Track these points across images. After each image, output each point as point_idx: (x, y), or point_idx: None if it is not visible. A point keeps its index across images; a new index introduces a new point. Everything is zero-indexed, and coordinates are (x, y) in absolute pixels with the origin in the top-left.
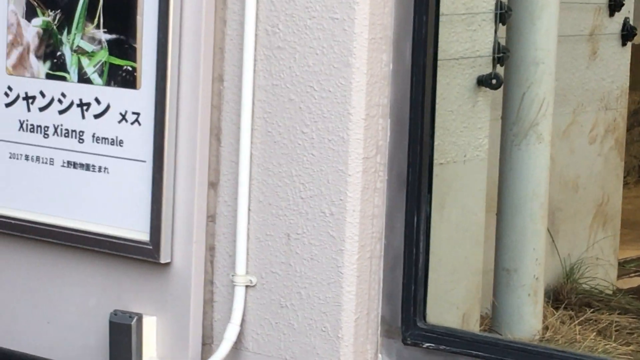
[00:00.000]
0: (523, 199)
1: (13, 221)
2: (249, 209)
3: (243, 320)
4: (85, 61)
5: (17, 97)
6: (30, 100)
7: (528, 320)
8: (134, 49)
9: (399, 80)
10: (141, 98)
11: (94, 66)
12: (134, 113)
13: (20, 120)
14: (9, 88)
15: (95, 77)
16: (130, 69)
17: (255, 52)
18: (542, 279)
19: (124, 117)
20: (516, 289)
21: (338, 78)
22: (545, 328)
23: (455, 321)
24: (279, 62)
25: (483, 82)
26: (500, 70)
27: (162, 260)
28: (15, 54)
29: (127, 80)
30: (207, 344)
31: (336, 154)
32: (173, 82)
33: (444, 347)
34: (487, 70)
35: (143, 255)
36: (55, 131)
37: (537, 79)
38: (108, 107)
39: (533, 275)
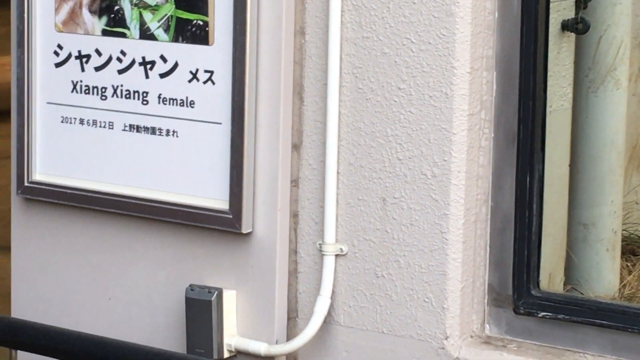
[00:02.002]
0: (601, 149)
1: (68, 190)
2: (338, 172)
3: (333, 292)
4: (147, 16)
5: (69, 56)
6: (84, 59)
7: (606, 277)
8: (205, 2)
9: (506, 30)
10: (214, 55)
11: (159, 21)
12: (206, 71)
13: (73, 81)
14: (59, 46)
15: (159, 32)
16: (200, 23)
17: (342, 2)
18: (620, 233)
19: (194, 76)
20: (594, 244)
21: (439, 29)
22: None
23: (542, 282)
24: (369, 13)
25: (568, 26)
26: (585, 13)
27: (244, 230)
28: (66, 9)
29: (198, 35)
30: (292, 317)
31: (438, 111)
32: (252, 37)
33: (563, 316)
34: (570, 14)
35: (222, 225)
36: (115, 92)
37: (614, 21)
38: (176, 65)
39: (611, 229)
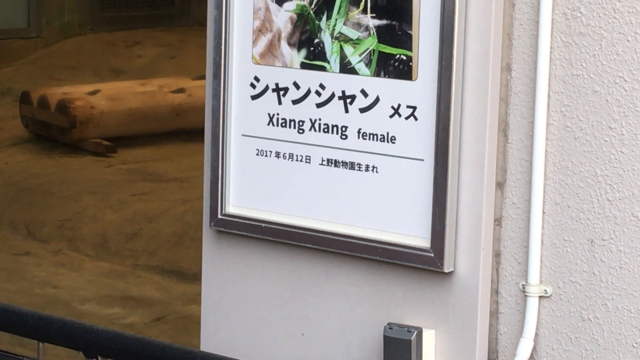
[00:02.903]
0: None
1: (262, 224)
2: (543, 212)
3: (536, 335)
4: (348, 49)
5: (266, 88)
6: (281, 92)
7: None
8: (409, 36)
9: None
10: (418, 90)
11: (360, 55)
12: (408, 107)
13: (269, 114)
14: (256, 79)
15: (361, 66)
16: (404, 57)
17: (551, 39)
18: None
19: (396, 111)
20: None
21: None
22: None
23: None
24: (580, 50)
25: None
26: None
27: (446, 269)
28: (264, 41)
29: (401, 70)
30: (492, 359)
31: None
32: (458, 73)
33: None
34: None
35: (423, 264)
36: (313, 126)
37: None
38: (377, 99)
39: None
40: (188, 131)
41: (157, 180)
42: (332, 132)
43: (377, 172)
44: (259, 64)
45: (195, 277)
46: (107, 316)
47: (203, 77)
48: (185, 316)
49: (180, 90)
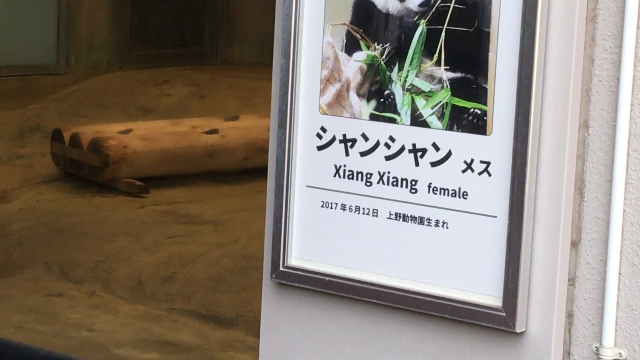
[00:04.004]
0: None
1: (326, 277)
2: (620, 273)
3: None
4: (420, 102)
5: (333, 139)
6: (349, 144)
7: None
8: (484, 90)
9: None
10: (492, 145)
11: (432, 108)
12: (482, 162)
13: (335, 166)
14: (323, 129)
15: (432, 119)
16: (478, 112)
17: (632, 96)
18: None
19: (469, 166)
20: None
21: None
22: None
23: None
24: None
25: None
26: None
27: (517, 329)
28: (332, 91)
29: (474, 124)
30: None
31: None
32: (535, 128)
33: None
34: None
35: (493, 323)
36: (381, 179)
37: None
38: (449, 154)
39: None
40: (221, 172)
41: (191, 223)
42: (402, 186)
43: (447, 227)
44: (326, 114)
45: (232, 322)
46: None
47: (235, 118)
48: None
49: (214, 131)
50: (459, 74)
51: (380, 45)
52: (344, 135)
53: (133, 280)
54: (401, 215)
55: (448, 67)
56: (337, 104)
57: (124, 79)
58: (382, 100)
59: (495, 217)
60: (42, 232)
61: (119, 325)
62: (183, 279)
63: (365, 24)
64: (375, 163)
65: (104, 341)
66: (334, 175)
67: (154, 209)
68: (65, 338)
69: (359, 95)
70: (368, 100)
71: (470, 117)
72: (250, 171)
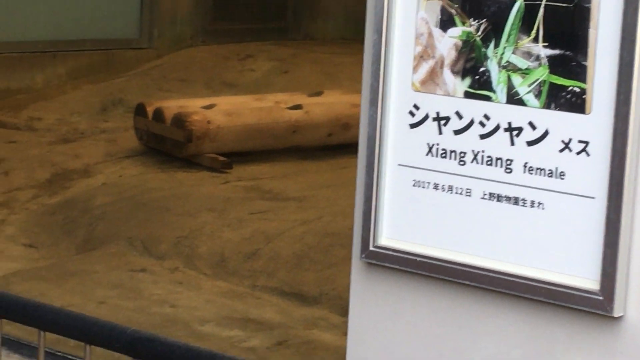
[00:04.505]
0: None
1: (417, 258)
2: None
3: None
4: (516, 79)
5: (426, 117)
6: (442, 122)
7: None
8: (583, 68)
9: None
10: (591, 124)
11: (529, 85)
12: (580, 141)
13: (428, 144)
14: (416, 107)
15: (529, 98)
16: (577, 90)
17: None
18: None
19: (566, 146)
20: None
21: None
22: None
23: None
24: None
25: None
26: None
27: (615, 314)
28: (425, 68)
29: (573, 103)
30: None
31: None
32: (637, 107)
33: None
34: None
35: (590, 307)
36: (475, 158)
37: None
38: (546, 133)
39: None
40: (304, 148)
41: (274, 199)
42: (496, 165)
43: (543, 208)
44: (419, 91)
45: (315, 300)
46: (228, 339)
47: (319, 94)
48: (307, 341)
49: (298, 107)
50: (557, 51)
51: (476, 21)
52: (438, 113)
53: (216, 256)
54: (495, 196)
55: (546, 44)
56: (431, 81)
57: (207, 54)
58: (477, 77)
59: (593, 198)
60: (125, 207)
61: (202, 302)
62: (266, 256)
63: None
64: (469, 142)
65: (187, 318)
66: (427, 154)
67: (237, 185)
68: (148, 314)
69: (453, 72)
70: (462, 78)
71: (569, 95)
72: (334, 147)
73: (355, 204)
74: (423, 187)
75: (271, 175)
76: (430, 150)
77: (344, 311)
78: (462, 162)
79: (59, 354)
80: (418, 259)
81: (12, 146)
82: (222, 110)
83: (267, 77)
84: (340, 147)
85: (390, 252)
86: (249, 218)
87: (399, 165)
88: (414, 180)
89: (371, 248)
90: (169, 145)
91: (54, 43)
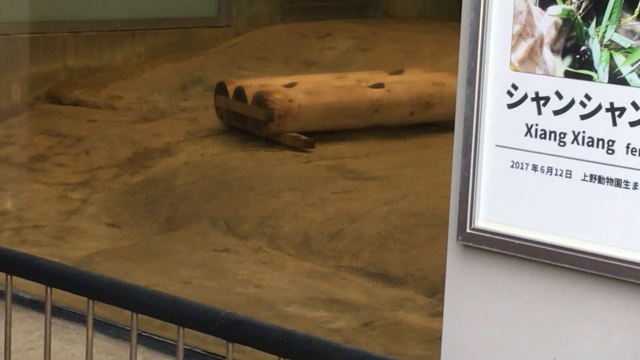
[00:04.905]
0: None
1: (515, 241)
2: None
3: None
4: (619, 58)
5: (525, 97)
6: (541, 102)
7: None
8: None
9: None
10: None
11: (632, 65)
12: None
13: (527, 125)
14: (514, 86)
15: (632, 77)
16: None
17: None
18: None
19: None
20: None
21: None
22: None
23: None
24: None
25: None
26: None
27: None
28: (524, 47)
29: None
30: None
31: None
32: None
33: None
34: None
35: None
36: (575, 139)
37: None
38: None
39: None
40: (386, 127)
41: (357, 178)
42: (597, 146)
43: None
44: (518, 70)
45: (401, 281)
46: (313, 320)
47: (400, 72)
48: (394, 323)
49: (379, 86)
50: None
51: None
52: (537, 93)
53: (300, 236)
54: (596, 177)
55: None
56: (530, 60)
57: (286, 32)
58: (577, 56)
59: None
60: (208, 186)
61: (287, 282)
62: (350, 236)
63: None
64: (569, 122)
65: (272, 298)
66: (525, 135)
67: (320, 164)
68: (234, 295)
69: (553, 51)
70: (563, 57)
71: None
72: (416, 126)
73: (452, 185)
74: (521, 169)
75: (353, 154)
76: (529, 131)
77: (430, 292)
78: (562, 143)
79: (145, 334)
80: (516, 241)
81: (93, 125)
82: (304, 89)
83: (346, 56)
84: (421, 125)
85: (487, 235)
86: (332, 198)
87: (497, 146)
88: (512, 161)
89: (468, 230)
90: (250, 124)
91: (133, 21)
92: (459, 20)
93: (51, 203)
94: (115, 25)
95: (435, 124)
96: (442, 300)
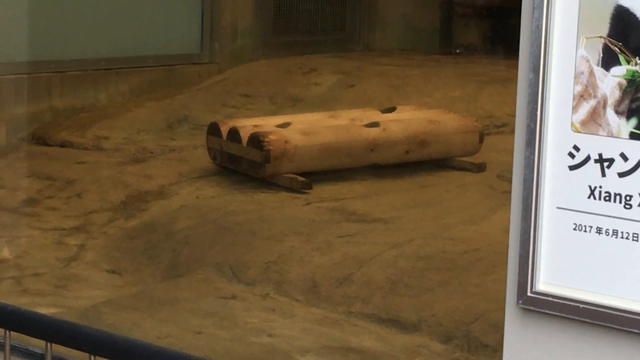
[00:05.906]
0: None
1: (579, 304)
2: None
3: None
4: None
5: (587, 158)
6: (605, 164)
7: None
8: None
9: None
10: None
11: None
12: None
13: (590, 187)
14: (576, 148)
15: None
16: None
17: None
18: None
19: None
20: None
21: None
22: None
23: None
24: None
25: None
26: None
27: None
28: (586, 107)
29: None
30: None
31: None
32: None
33: None
34: None
35: None
36: None
37: None
38: None
39: None
40: (381, 166)
41: (360, 221)
42: None
43: None
44: (580, 132)
45: (414, 327)
46: None
47: (392, 110)
48: None
49: (375, 125)
50: None
51: None
52: (600, 155)
53: (307, 282)
54: None
55: None
56: (592, 121)
57: (270, 67)
58: None
59: None
60: (209, 230)
61: (299, 330)
62: (359, 281)
63: (625, 36)
64: (635, 184)
65: (287, 347)
66: (588, 197)
67: (320, 206)
68: (247, 344)
69: (617, 112)
70: (628, 118)
71: None
72: (412, 164)
73: (510, 247)
74: (585, 231)
75: (352, 195)
76: (592, 193)
77: (445, 338)
78: (628, 206)
79: None
80: (581, 305)
81: (82, 167)
82: (299, 129)
83: (333, 92)
84: (417, 163)
85: (549, 298)
86: (337, 241)
87: (558, 208)
88: (574, 223)
89: (529, 294)
90: (245, 165)
91: (116, 60)
92: (441, 54)
93: (48, 249)
94: (99, 64)
95: (430, 162)
96: (457, 346)
